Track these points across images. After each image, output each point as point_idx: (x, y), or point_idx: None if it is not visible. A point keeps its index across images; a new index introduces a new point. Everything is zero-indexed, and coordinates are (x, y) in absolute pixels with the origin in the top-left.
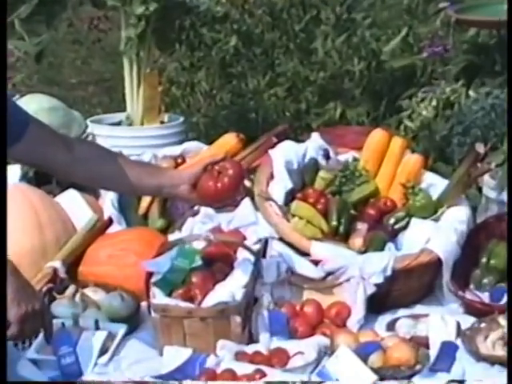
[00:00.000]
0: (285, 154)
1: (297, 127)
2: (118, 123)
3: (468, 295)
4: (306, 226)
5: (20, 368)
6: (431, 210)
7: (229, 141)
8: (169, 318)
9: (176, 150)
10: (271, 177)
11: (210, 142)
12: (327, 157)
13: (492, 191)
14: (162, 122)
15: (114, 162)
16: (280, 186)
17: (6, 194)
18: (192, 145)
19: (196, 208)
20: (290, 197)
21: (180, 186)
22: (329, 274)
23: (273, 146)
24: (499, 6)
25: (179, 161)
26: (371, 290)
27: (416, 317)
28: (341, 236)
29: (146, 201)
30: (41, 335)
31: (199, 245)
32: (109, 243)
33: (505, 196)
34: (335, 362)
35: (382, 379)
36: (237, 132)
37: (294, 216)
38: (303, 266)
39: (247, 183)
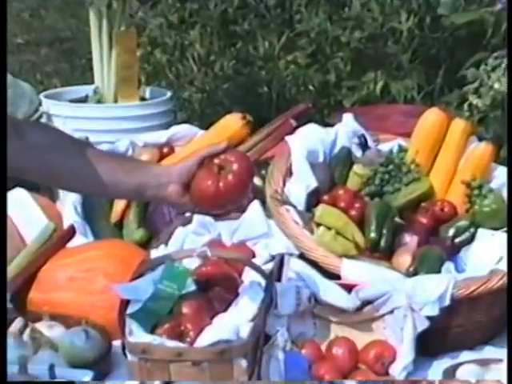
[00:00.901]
0: (307, 143)
1: (323, 106)
2: (83, 99)
3: None
4: (335, 238)
5: None
6: (504, 217)
7: (232, 124)
8: (151, 362)
9: (161, 137)
10: (289, 173)
11: (206, 126)
12: (364, 146)
13: None
14: (142, 99)
15: (78, 153)
16: (301, 185)
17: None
18: (183, 129)
19: (188, 215)
20: (314, 199)
21: (168, 187)
22: (366, 303)
23: (291, 132)
24: None
25: (165, 151)
26: (423, 325)
27: (484, 362)
28: (382, 252)
29: (120, 205)
30: None
31: (192, 263)
32: (70, 261)
33: None
34: None
35: None
36: (243, 112)
37: (319, 225)
38: (331, 293)
39: (257, 181)
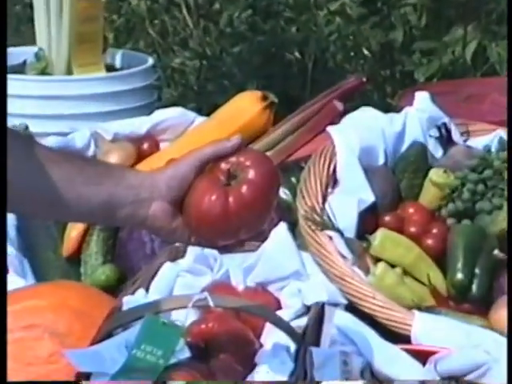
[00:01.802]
0: (360, 137)
1: (384, 80)
2: (19, 68)
3: None
4: (401, 280)
5: None
6: None
7: (247, 108)
8: None
9: (140, 126)
10: (332, 182)
11: (208, 111)
12: (447, 141)
13: None
14: (109, 68)
15: (15, 151)
16: (350, 199)
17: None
18: (172, 115)
19: (180, 245)
20: (371, 222)
21: (150, 204)
22: (450, 379)
23: (336, 120)
24: None
25: (146, 148)
26: None
27: None
28: (473, 302)
29: (76, 230)
30: None
31: (186, 318)
32: None
33: None
34: None
35: None
36: (262, 90)
37: (377, 261)
38: (395, 363)
39: (284, 195)
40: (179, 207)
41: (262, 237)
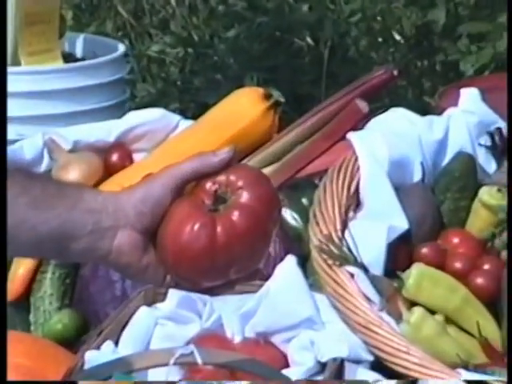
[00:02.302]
0: (389, 145)
1: (421, 72)
2: None
3: None
4: (442, 330)
5: None
6: None
7: (244, 109)
8: None
9: (108, 132)
10: (354, 203)
11: (195, 114)
12: (501, 150)
13: None
14: (68, 58)
15: None
16: (377, 225)
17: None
18: (148, 118)
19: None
20: (403, 254)
21: (115, 233)
22: None
23: (359, 125)
24: None
25: (115, 160)
26: None
27: None
28: None
29: (24, 266)
30: None
31: (167, 377)
32: None
33: None
34: None
35: None
36: (264, 86)
37: (412, 305)
38: None
39: (291, 220)
40: (152, 238)
41: (256, 277)
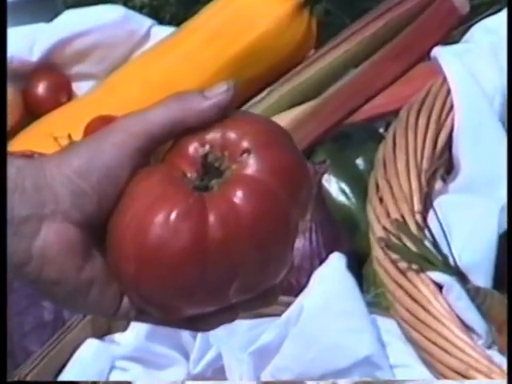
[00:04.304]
0: (502, 66)
1: None
2: None
3: None
4: None
5: None
6: None
7: (259, 8)
8: None
9: (31, 44)
10: (442, 163)
11: (177, 18)
12: None
13: None
14: None
15: None
16: (481, 202)
17: (5, 191)
18: (99, 20)
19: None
20: None
21: (37, 229)
22: None
23: (447, 36)
24: None
25: (40, 92)
26: None
27: None
28: None
29: None
30: None
31: None
32: None
33: None
34: None
35: None
36: None
37: None
38: None
39: (338, 195)
40: (99, 236)
41: (275, 296)
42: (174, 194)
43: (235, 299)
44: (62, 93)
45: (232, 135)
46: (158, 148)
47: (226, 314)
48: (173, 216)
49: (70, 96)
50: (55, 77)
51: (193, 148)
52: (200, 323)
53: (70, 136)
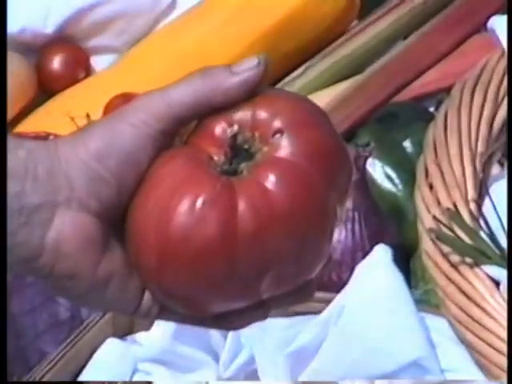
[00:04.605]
0: None
1: None
2: None
3: None
4: None
5: None
6: None
7: None
8: None
9: (45, 15)
10: (500, 146)
11: None
12: None
13: None
14: None
15: None
16: None
17: (5, 191)
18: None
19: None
20: None
21: (50, 218)
22: None
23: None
24: None
25: (55, 67)
26: None
27: None
28: None
29: None
30: None
31: None
32: None
33: None
34: None
35: None
36: None
37: None
38: None
39: (382, 180)
40: (118, 226)
41: (307, 294)
42: (200, 178)
43: (267, 294)
44: (80, 68)
45: (263, 114)
46: (182, 129)
47: (258, 311)
48: (199, 203)
49: (88, 72)
50: (72, 50)
51: (220, 128)
52: (228, 321)
53: (88, 115)
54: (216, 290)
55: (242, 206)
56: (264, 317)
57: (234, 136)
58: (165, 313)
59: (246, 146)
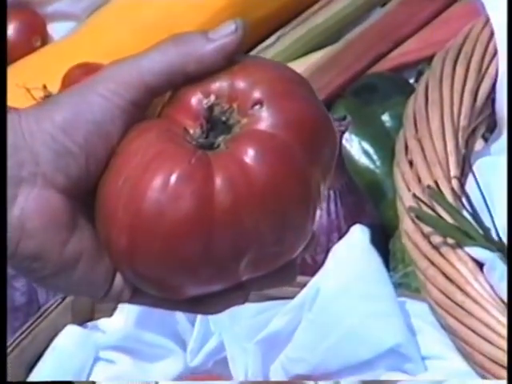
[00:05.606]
0: None
1: None
2: None
3: None
4: None
5: None
6: None
7: None
8: None
9: None
10: (484, 120)
11: None
12: None
13: None
14: None
15: None
16: None
17: (5, 192)
18: None
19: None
20: None
21: (14, 195)
22: None
23: None
24: None
25: (12, 36)
26: None
27: None
28: None
29: None
30: None
31: None
32: None
33: None
34: None
35: None
36: None
37: None
38: None
39: (359, 155)
40: (87, 203)
41: (289, 276)
42: (174, 152)
43: (246, 276)
44: (36, 36)
45: (241, 84)
46: (155, 100)
47: (236, 294)
48: (173, 178)
49: (45, 40)
50: (27, 16)
51: (196, 99)
52: (205, 305)
53: (45, 87)
54: (191, 271)
55: (218, 181)
56: (243, 300)
57: (211, 107)
58: (137, 296)
59: (224, 118)
